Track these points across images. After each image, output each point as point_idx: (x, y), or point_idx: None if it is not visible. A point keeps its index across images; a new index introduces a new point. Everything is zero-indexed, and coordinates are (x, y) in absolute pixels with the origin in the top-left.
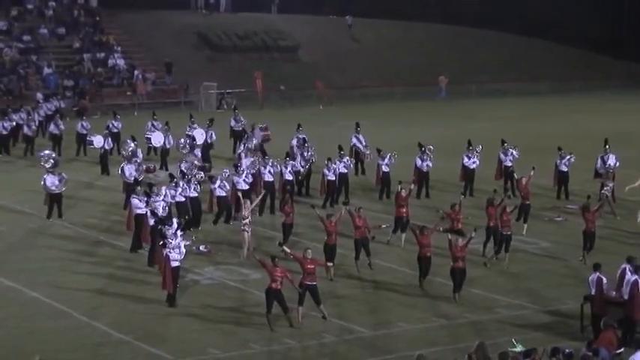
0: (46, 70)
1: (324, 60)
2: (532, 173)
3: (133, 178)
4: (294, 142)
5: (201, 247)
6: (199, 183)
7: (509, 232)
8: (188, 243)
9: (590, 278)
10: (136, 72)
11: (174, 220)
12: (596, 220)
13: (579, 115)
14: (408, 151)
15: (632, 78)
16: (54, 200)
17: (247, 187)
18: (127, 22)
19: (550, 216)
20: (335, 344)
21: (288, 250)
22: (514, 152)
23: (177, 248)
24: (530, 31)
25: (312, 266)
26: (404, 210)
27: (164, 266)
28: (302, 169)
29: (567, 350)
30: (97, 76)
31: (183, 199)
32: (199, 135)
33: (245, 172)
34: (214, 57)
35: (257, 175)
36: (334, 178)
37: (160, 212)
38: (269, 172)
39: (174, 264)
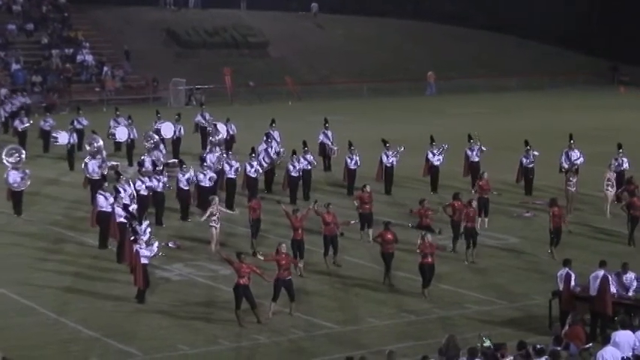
0: (14, 66)
1: (293, 56)
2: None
3: (96, 175)
4: (275, 134)
5: (170, 244)
6: (165, 184)
7: (474, 226)
8: (162, 244)
9: (559, 273)
10: (104, 68)
11: (145, 223)
12: (564, 215)
13: (548, 111)
14: (375, 146)
15: (600, 74)
16: (15, 197)
17: (211, 183)
18: (95, 18)
19: (519, 212)
20: (304, 340)
21: (262, 258)
22: (482, 147)
23: (148, 245)
24: (500, 27)
25: (286, 261)
26: (367, 206)
27: (134, 262)
28: (265, 165)
29: (538, 346)
30: (66, 72)
31: (146, 194)
32: (168, 129)
33: (210, 168)
34: (183, 53)
35: (221, 172)
36: (297, 175)
37: (129, 208)
38: (231, 168)
39: (144, 261)
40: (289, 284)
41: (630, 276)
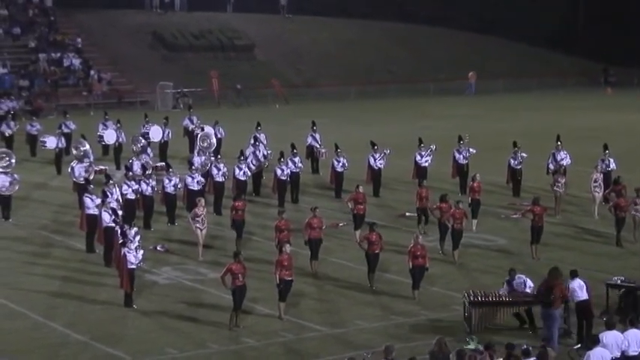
0: (1, 70)
1: (279, 59)
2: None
3: (82, 178)
4: (262, 137)
5: (158, 247)
6: (154, 187)
7: (461, 228)
8: (145, 257)
9: (576, 285)
10: (91, 72)
11: (134, 229)
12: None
13: (534, 112)
14: (363, 149)
15: (586, 75)
16: (3, 201)
17: (199, 187)
18: (82, 21)
19: (507, 213)
20: (294, 343)
21: (278, 281)
22: (471, 149)
23: (135, 251)
24: (485, 28)
25: (289, 262)
26: (362, 206)
27: (121, 265)
28: (253, 168)
29: (524, 346)
30: (52, 76)
31: (134, 197)
32: (157, 132)
33: (197, 171)
34: (170, 56)
35: (208, 175)
36: (285, 178)
37: (118, 211)
38: (219, 172)
39: (131, 266)
40: (290, 285)
41: (520, 280)
